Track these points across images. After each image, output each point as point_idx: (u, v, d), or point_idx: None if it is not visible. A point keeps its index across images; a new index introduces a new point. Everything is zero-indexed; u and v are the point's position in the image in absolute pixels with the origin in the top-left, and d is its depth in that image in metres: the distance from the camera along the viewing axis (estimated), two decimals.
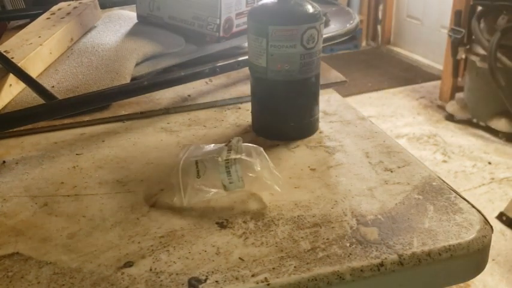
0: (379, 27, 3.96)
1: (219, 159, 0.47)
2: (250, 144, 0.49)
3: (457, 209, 0.46)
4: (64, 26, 0.81)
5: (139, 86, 0.65)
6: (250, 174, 0.47)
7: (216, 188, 0.47)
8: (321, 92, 0.62)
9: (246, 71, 0.71)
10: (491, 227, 0.45)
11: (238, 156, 0.47)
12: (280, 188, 0.47)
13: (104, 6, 0.99)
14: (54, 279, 0.39)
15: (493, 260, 1.65)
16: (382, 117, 2.79)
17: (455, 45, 2.60)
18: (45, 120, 0.62)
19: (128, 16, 0.93)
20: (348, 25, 0.93)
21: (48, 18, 0.86)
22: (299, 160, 0.56)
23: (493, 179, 2.15)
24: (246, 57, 0.65)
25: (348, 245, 0.42)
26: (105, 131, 0.65)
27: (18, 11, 1.08)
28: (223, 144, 0.49)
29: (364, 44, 4.03)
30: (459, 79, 2.82)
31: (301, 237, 0.43)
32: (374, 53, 3.89)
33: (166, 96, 0.72)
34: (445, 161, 2.31)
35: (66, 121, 0.66)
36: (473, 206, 0.46)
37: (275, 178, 0.47)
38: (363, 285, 0.40)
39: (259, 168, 0.47)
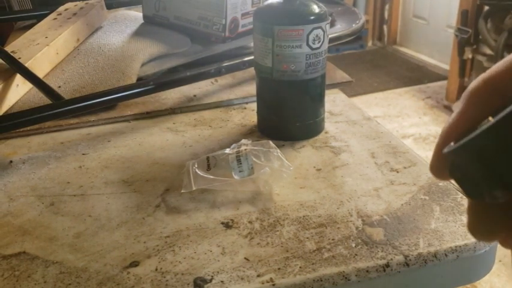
0: (385, 27, 3.95)
1: (230, 151, 0.50)
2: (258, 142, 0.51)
3: (464, 210, 0.46)
4: (71, 27, 0.81)
5: (145, 86, 0.65)
6: (260, 162, 0.48)
7: (226, 177, 0.48)
8: (327, 92, 0.62)
9: (251, 71, 0.71)
10: None
11: (248, 147, 0.49)
12: (289, 175, 0.48)
13: (110, 6, 1.00)
14: (60, 278, 0.39)
15: (500, 261, 1.64)
16: (388, 117, 2.79)
17: (461, 45, 2.59)
18: (52, 120, 0.62)
19: (134, 16, 0.93)
20: (353, 25, 0.93)
21: (54, 19, 0.86)
22: (305, 160, 0.56)
23: None
24: (252, 57, 0.65)
25: (353, 245, 0.42)
26: (111, 131, 0.65)
27: (25, 11, 1.08)
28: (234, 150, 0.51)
29: (370, 44, 4.02)
30: (466, 79, 2.81)
31: (307, 238, 0.43)
32: (380, 53, 3.88)
33: (172, 96, 0.72)
34: None
35: (72, 121, 0.66)
36: None
37: (285, 165, 0.48)
38: (369, 286, 0.40)
39: (269, 157, 0.49)
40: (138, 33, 0.84)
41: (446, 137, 0.25)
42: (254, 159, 0.48)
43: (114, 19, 0.93)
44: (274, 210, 0.47)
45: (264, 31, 0.55)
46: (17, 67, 0.68)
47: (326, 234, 0.43)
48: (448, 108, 2.82)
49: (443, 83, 3.08)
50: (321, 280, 0.38)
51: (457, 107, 0.25)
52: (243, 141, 0.51)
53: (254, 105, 0.65)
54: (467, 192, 0.23)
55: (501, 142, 0.20)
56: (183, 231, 0.44)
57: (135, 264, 0.40)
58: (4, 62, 0.70)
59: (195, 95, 0.73)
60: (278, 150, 0.50)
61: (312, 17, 0.54)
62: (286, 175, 0.48)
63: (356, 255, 0.41)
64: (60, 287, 0.38)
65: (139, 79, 0.74)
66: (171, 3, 0.84)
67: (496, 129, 0.20)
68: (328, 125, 0.63)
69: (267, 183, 0.49)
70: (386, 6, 3.91)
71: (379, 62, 3.66)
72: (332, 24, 0.92)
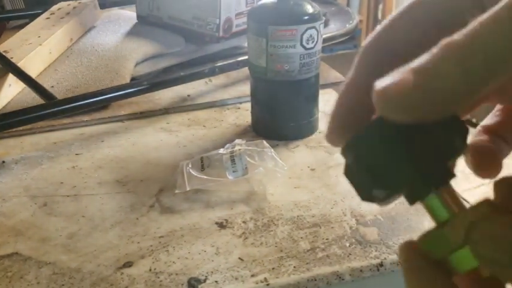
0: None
1: (224, 151, 0.50)
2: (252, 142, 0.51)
3: None
4: (64, 26, 0.81)
5: (138, 86, 0.65)
6: (254, 162, 0.48)
7: (220, 177, 0.48)
8: (321, 92, 0.62)
9: (245, 71, 0.71)
10: None
11: (242, 147, 0.49)
12: (283, 175, 0.48)
13: (103, 6, 0.99)
14: (53, 279, 0.39)
15: None
16: None
17: None
18: (45, 120, 0.62)
19: (128, 16, 0.93)
20: (347, 25, 0.93)
21: (47, 18, 0.86)
22: (299, 160, 0.56)
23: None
24: (246, 57, 0.65)
25: (347, 245, 0.42)
26: (105, 131, 0.64)
27: (18, 10, 1.08)
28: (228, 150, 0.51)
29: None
30: None
31: (301, 237, 0.43)
32: None
33: (165, 96, 0.72)
34: None
35: (65, 121, 0.65)
36: None
37: (279, 165, 0.49)
38: (363, 285, 0.40)
39: (263, 157, 0.49)
40: (132, 33, 0.84)
41: (337, 110, 0.22)
42: (248, 159, 0.48)
43: (107, 19, 0.93)
44: (268, 210, 0.47)
45: (258, 31, 0.55)
46: (9, 67, 0.68)
47: (320, 234, 0.43)
48: None
49: None
50: (315, 280, 0.38)
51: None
52: (237, 141, 0.51)
53: (248, 105, 0.65)
54: (359, 194, 0.21)
55: (376, 144, 0.18)
56: (177, 232, 0.44)
57: (128, 264, 0.40)
58: None
59: (189, 95, 0.73)
60: (272, 150, 0.50)
61: (306, 17, 0.54)
62: (280, 175, 0.49)
63: (350, 254, 0.41)
64: (53, 287, 0.38)
65: (133, 79, 0.74)
66: (164, 3, 0.84)
67: (373, 130, 0.18)
68: (322, 125, 0.64)
69: (261, 183, 0.49)
70: (380, 7, 3.92)
71: None
72: (326, 24, 0.93)
